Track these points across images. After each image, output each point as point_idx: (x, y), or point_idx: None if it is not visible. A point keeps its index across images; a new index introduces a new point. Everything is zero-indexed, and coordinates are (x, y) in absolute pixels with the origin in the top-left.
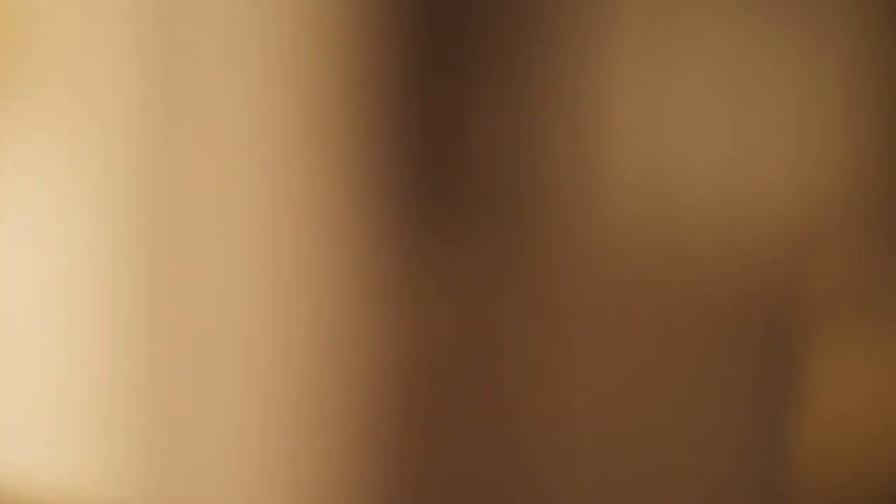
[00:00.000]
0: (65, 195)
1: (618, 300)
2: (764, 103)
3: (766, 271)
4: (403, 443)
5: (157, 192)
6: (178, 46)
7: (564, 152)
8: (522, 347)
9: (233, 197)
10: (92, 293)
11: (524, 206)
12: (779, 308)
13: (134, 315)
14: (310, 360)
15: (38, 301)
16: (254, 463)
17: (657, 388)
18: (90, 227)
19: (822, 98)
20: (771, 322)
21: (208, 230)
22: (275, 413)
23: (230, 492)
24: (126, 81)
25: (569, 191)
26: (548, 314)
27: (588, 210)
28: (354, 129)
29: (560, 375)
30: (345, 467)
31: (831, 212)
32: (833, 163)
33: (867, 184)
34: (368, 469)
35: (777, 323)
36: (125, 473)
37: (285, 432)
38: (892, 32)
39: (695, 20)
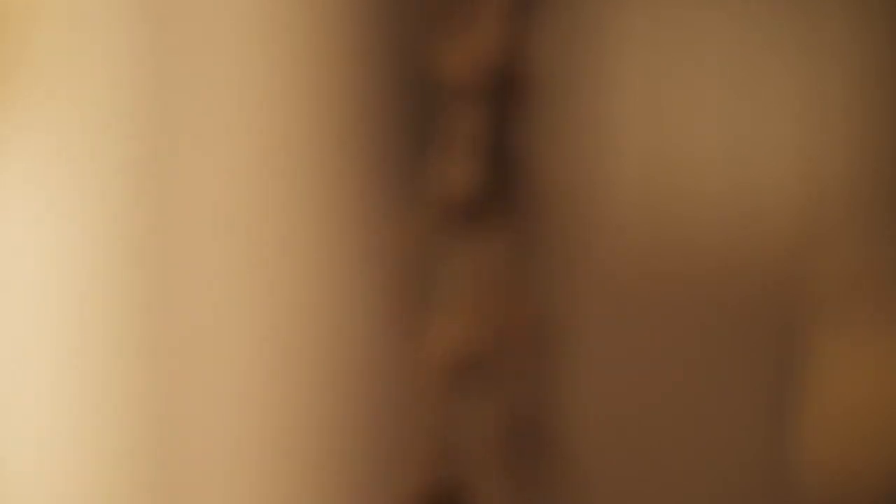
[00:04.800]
0: (61, 197)
1: (620, 296)
2: (767, 98)
3: (769, 267)
4: (405, 442)
5: (152, 191)
6: (172, 47)
7: (566, 148)
8: (528, 345)
9: (229, 196)
10: (88, 294)
11: (527, 205)
12: (783, 303)
13: (131, 315)
14: (310, 360)
15: (34, 302)
16: (253, 463)
17: (659, 383)
18: (86, 227)
19: (825, 93)
20: (774, 317)
21: (204, 229)
22: (274, 412)
23: (229, 492)
24: (120, 83)
25: (571, 187)
26: (553, 311)
27: (592, 206)
28: (354, 124)
29: (565, 372)
30: (345, 467)
31: (835, 206)
32: (837, 157)
33: (871, 178)
34: (370, 469)
35: (781, 318)
36: (122, 473)
37: (285, 432)
38: (895, 26)
39: (697, 12)
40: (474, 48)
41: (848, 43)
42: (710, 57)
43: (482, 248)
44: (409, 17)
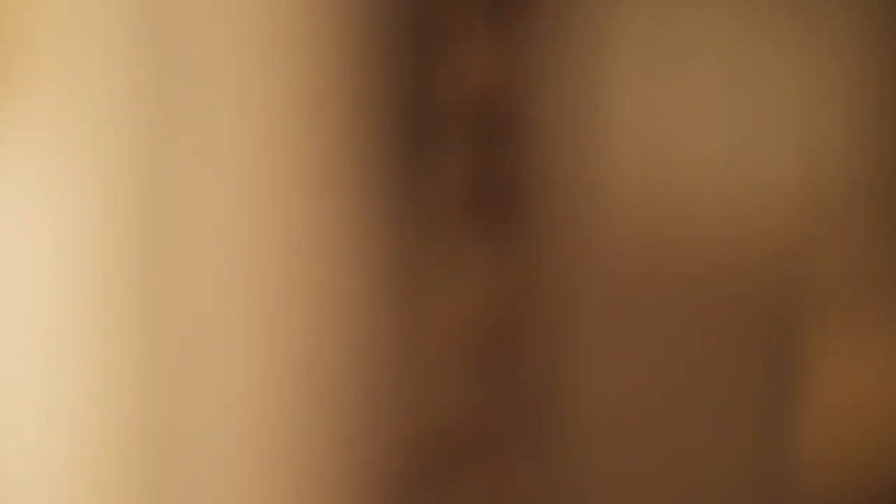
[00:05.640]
0: (61, 196)
1: (619, 296)
2: (767, 98)
3: (769, 267)
4: (405, 442)
5: (150, 188)
6: (173, 47)
7: (566, 146)
8: (528, 345)
9: (227, 193)
10: (86, 291)
11: (527, 203)
12: (783, 303)
13: (128, 313)
14: (308, 360)
15: (34, 302)
16: (251, 463)
17: (659, 382)
18: (84, 224)
19: (824, 92)
20: (774, 317)
21: (203, 226)
22: (273, 413)
23: (227, 492)
24: (121, 82)
25: (570, 186)
26: (553, 311)
27: (591, 205)
28: (353, 121)
29: (565, 372)
30: (344, 467)
31: (835, 206)
32: (836, 157)
33: (870, 178)
34: (369, 469)
35: (781, 318)
36: (119, 473)
37: (283, 432)
38: (895, 25)
39: (696, 11)
40: (474, 56)
41: (848, 43)
42: (710, 56)
43: (483, 248)
44: (412, 20)
